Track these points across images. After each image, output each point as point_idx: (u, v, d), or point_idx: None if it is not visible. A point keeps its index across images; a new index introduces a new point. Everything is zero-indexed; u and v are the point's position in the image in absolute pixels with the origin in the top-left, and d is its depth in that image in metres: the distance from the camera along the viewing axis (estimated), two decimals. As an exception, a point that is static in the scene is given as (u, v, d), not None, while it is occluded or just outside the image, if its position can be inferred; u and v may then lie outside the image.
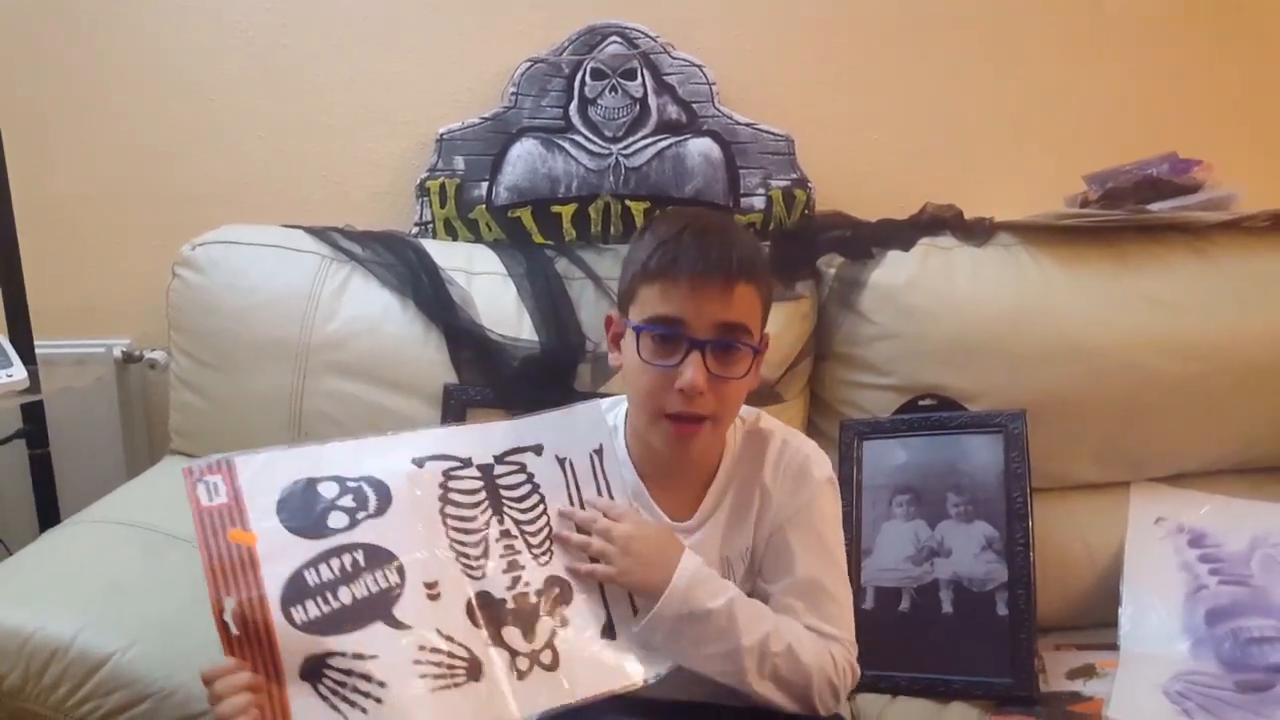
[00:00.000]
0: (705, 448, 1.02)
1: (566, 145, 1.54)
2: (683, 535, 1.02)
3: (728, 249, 0.95)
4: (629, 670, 0.93)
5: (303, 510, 0.88)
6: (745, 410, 1.08)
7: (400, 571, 0.88)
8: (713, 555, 1.03)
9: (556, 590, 0.94)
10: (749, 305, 0.97)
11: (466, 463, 0.97)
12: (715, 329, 0.95)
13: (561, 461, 1.01)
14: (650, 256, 0.96)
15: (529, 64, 1.55)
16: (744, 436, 1.08)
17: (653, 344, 0.96)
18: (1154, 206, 1.45)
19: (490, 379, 1.38)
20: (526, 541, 0.96)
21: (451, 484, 0.96)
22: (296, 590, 0.84)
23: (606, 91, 1.55)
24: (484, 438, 1.00)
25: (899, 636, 1.29)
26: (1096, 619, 1.38)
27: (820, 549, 1.03)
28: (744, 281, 0.95)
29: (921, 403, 1.41)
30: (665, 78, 1.55)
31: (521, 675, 0.89)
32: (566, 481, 1.00)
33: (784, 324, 1.42)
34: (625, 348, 1.01)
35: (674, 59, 1.56)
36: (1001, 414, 1.34)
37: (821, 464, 1.07)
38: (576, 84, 1.55)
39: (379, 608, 0.86)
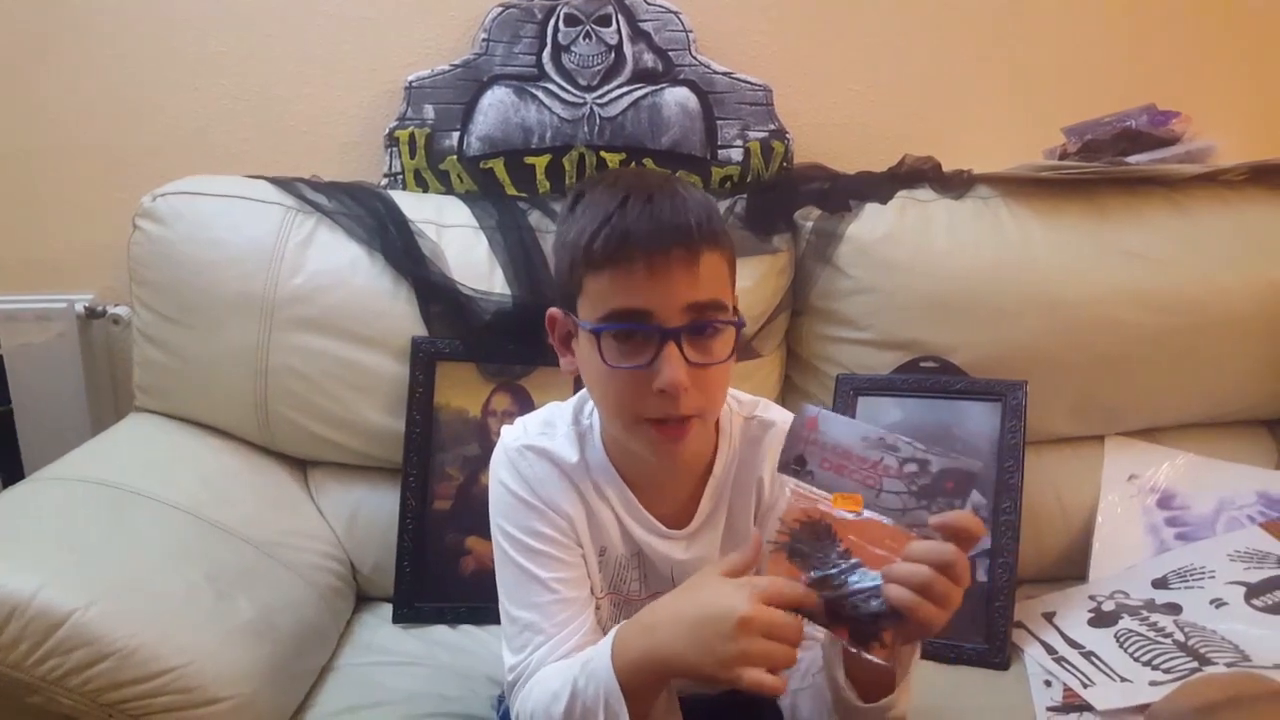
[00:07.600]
0: (696, 447, 0.90)
1: (539, 94, 1.50)
2: (680, 544, 0.93)
3: (683, 213, 0.80)
4: None
5: None
6: (745, 397, 0.99)
7: None
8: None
9: None
10: (717, 274, 0.83)
11: None
12: (686, 312, 0.81)
13: None
14: (593, 238, 0.80)
15: (500, 9, 1.50)
16: (742, 426, 0.96)
17: (617, 344, 0.81)
18: (1132, 159, 1.43)
19: (461, 333, 1.36)
20: None
21: None
22: None
23: (580, 38, 1.51)
24: None
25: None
26: (1068, 574, 1.40)
27: None
28: (708, 248, 0.81)
29: (923, 364, 1.39)
30: (640, 24, 1.51)
31: None
32: None
33: (761, 278, 1.40)
34: (581, 350, 0.86)
35: (649, 5, 1.51)
36: (1003, 383, 1.34)
37: None
38: (549, 30, 1.50)
39: None
